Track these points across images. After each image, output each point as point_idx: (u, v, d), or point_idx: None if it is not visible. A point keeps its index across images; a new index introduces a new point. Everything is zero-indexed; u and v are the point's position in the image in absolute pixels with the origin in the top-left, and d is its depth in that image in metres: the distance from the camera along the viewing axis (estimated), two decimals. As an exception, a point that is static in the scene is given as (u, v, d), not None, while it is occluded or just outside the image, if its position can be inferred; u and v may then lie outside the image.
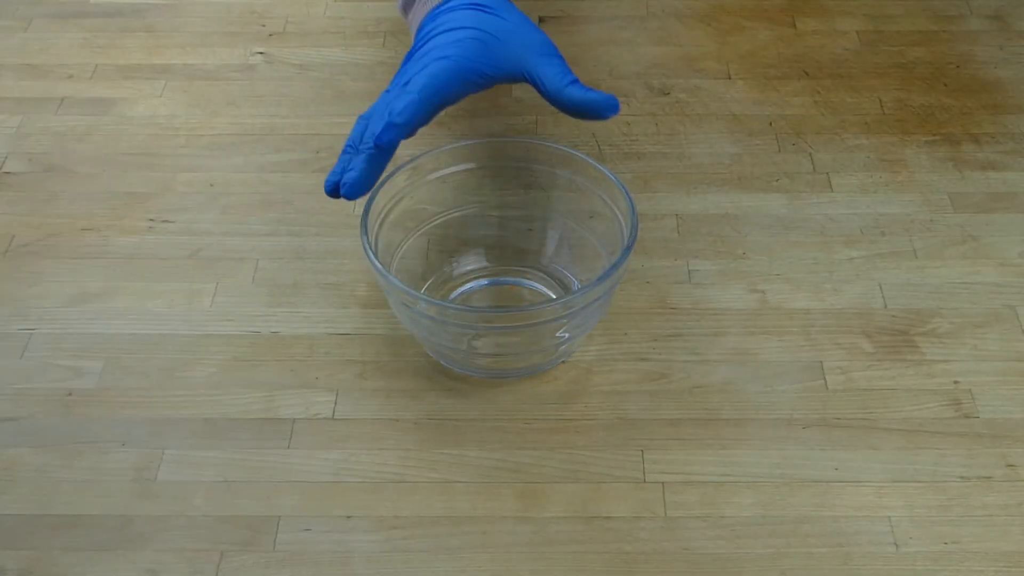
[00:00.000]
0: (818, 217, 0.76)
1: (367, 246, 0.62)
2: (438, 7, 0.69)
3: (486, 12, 0.67)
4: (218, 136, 0.84)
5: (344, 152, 0.64)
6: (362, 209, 0.64)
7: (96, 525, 0.59)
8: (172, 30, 0.95)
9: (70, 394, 0.65)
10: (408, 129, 0.63)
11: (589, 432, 0.63)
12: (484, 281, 0.71)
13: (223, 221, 0.77)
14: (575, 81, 0.65)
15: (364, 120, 0.65)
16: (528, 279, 0.71)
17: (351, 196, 0.62)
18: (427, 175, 0.69)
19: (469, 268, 0.72)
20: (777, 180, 0.79)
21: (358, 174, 0.62)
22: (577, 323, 0.63)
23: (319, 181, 0.80)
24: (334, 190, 0.63)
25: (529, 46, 0.66)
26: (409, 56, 0.67)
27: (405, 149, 0.81)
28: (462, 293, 0.70)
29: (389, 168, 0.65)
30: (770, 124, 0.84)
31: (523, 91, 0.88)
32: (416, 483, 0.61)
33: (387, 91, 0.66)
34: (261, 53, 0.92)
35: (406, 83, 0.64)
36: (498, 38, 0.65)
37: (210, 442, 0.63)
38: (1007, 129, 0.84)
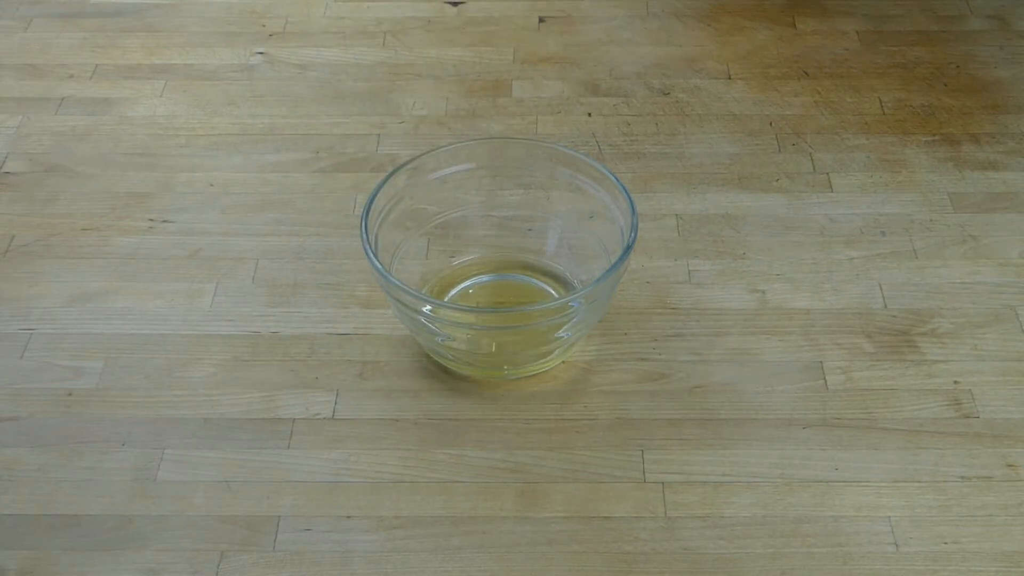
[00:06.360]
0: (818, 217, 0.76)
1: (367, 246, 0.62)
2: None
3: None
4: (218, 136, 0.84)
5: None
6: (362, 209, 0.64)
7: (96, 525, 0.59)
8: (172, 30, 0.95)
9: (70, 394, 0.65)
10: None
11: (589, 432, 0.63)
12: (484, 278, 0.71)
13: (223, 221, 0.77)
14: None
15: None
16: (528, 279, 0.71)
17: None
18: (427, 175, 0.69)
19: (469, 268, 0.72)
20: (777, 180, 0.79)
21: None
22: (577, 323, 0.63)
23: (319, 181, 0.80)
24: None
25: None
26: None
27: (405, 149, 0.82)
28: (461, 291, 0.70)
29: (389, 168, 0.65)
30: (770, 124, 0.84)
31: (523, 91, 0.88)
32: (416, 483, 0.61)
33: None
34: (261, 53, 0.92)
35: None
36: None
37: (210, 442, 0.63)
38: (1007, 129, 0.84)
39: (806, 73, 0.90)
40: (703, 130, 0.84)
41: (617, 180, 0.65)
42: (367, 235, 0.63)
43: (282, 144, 0.83)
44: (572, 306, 0.61)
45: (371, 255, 0.61)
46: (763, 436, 0.63)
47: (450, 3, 0.98)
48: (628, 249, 0.61)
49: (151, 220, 0.77)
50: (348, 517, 0.59)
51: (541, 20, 0.96)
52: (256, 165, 0.81)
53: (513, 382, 0.66)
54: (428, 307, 0.62)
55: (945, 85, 0.88)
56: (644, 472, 0.61)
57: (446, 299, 0.69)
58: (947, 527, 0.58)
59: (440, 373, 0.67)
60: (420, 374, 0.67)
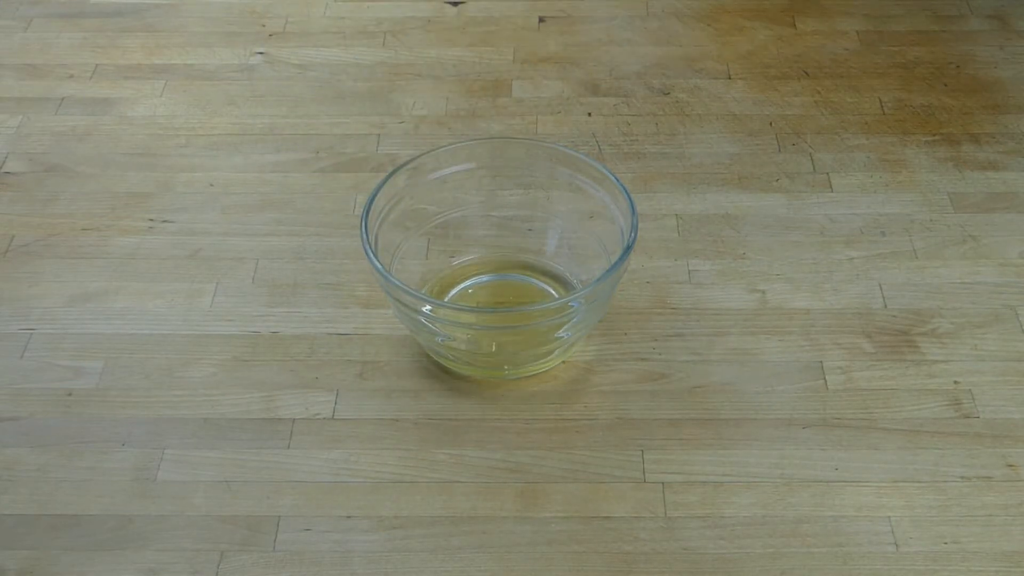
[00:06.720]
0: (818, 217, 0.76)
1: (367, 246, 0.62)
2: None
3: None
4: (218, 136, 0.84)
5: None
6: (362, 209, 0.64)
7: (96, 525, 0.59)
8: (172, 30, 0.95)
9: (70, 394, 0.65)
10: None
11: (589, 432, 0.63)
12: (484, 278, 0.71)
13: (223, 221, 0.77)
14: None
15: None
16: (528, 279, 0.71)
17: None
18: (427, 175, 0.69)
19: (469, 268, 0.72)
20: (777, 180, 0.79)
21: None
22: (577, 323, 0.63)
23: (319, 181, 0.80)
24: None
25: None
26: None
27: (405, 149, 0.82)
28: (461, 291, 0.70)
29: (389, 168, 0.65)
30: (770, 124, 0.84)
31: (523, 91, 0.88)
32: (416, 483, 0.61)
33: None
34: (261, 53, 0.92)
35: None
36: None
37: (210, 442, 0.63)
38: (1007, 129, 0.84)
39: (806, 73, 0.90)
40: (703, 130, 0.84)
41: (617, 180, 0.65)
42: (367, 235, 0.63)
43: (282, 144, 0.83)
44: (572, 306, 0.61)
45: (371, 255, 0.61)
46: (763, 436, 0.63)
47: (450, 3, 0.98)
48: (628, 249, 0.61)
49: (151, 220, 0.77)
50: (348, 517, 0.59)
51: (541, 20, 0.96)
52: (256, 165, 0.81)
53: (513, 382, 0.66)
54: (428, 307, 0.62)
55: (945, 85, 0.88)
56: (644, 472, 0.61)
57: (446, 299, 0.69)
58: (947, 527, 0.58)
59: (440, 373, 0.67)
60: (420, 374, 0.67)
